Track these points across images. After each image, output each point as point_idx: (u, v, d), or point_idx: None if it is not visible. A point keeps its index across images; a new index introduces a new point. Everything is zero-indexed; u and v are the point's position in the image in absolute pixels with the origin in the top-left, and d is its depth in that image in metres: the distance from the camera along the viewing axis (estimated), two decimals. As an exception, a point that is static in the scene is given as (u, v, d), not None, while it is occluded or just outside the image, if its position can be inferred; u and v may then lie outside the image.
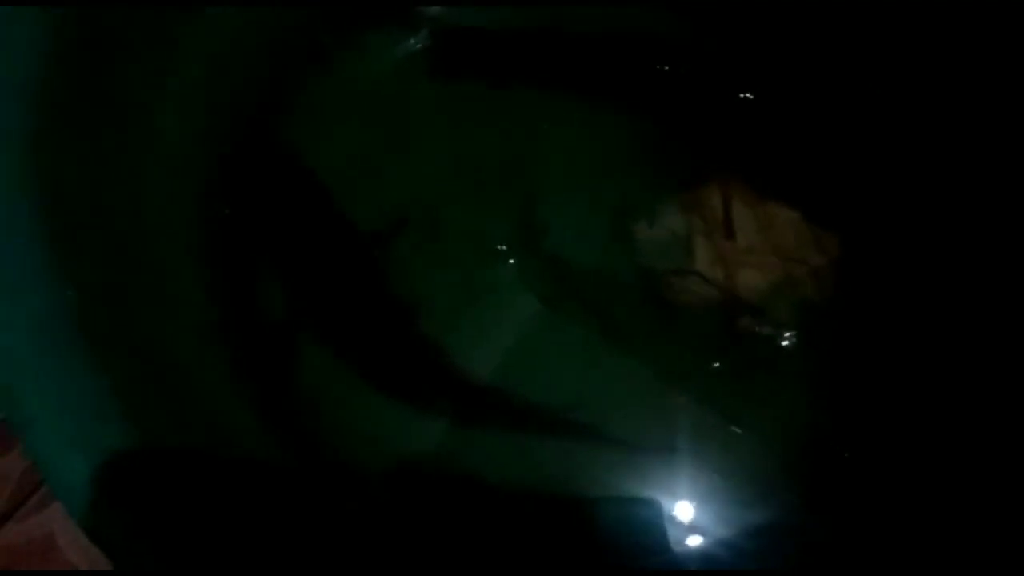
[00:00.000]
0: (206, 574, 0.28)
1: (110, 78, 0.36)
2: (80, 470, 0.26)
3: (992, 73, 0.42)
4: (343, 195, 0.47)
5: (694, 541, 0.41)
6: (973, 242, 0.43)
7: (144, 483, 0.28)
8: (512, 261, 0.47)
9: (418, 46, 0.51)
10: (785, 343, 0.46)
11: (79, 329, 0.28)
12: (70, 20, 0.33)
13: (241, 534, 0.30)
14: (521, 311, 0.46)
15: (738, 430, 0.44)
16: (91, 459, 0.26)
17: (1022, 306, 0.40)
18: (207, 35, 0.42)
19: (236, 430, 0.36)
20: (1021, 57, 0.40)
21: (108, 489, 0.26)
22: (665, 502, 0.42)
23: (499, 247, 0.48)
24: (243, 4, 0.43)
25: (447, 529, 0.40)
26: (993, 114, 0.42)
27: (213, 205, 0.43)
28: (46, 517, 0.43)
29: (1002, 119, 0.42)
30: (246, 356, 0.41)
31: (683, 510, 0.42)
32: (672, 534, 0.41)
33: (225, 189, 0.44)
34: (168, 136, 0.40)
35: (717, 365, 0.46)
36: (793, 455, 0.44)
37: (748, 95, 0.50)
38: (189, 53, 0.41)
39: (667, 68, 0.51)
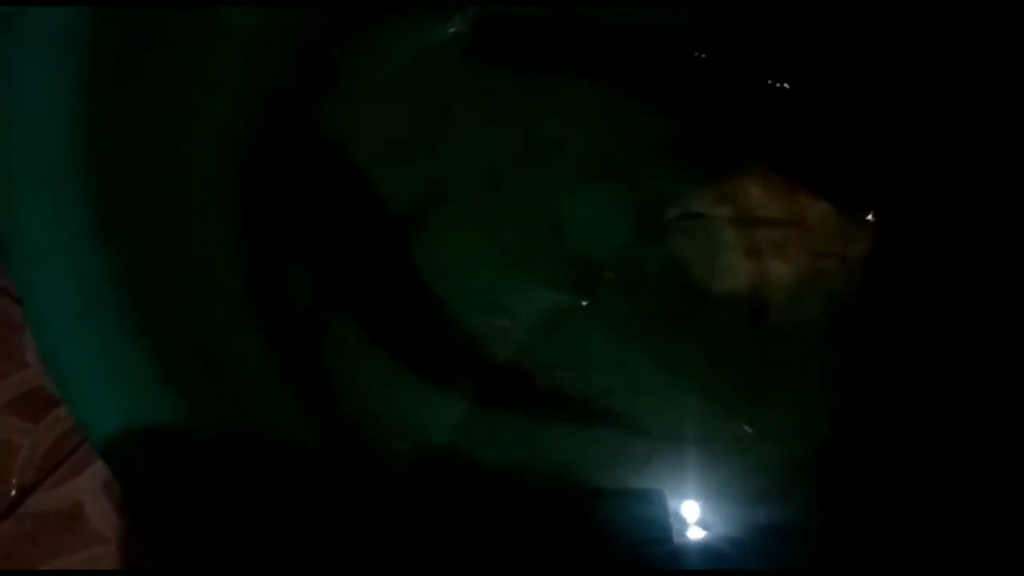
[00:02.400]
0: (219, 523, 0.28)
1: (151, 64, 0.37)
2: (115, 423, 0.27)
3: None
4: (376, 179, 0.47)
5: (701, 535, 0.41)
6: (1009, 241, 0.43)
7: (173, 436, 0.28)
8: (543, 248, 0.47)
9: (453, 32, 0.51)
10: (813, 337, 0.46)
11: (124, 294, 0.29)
12: (111, 13, 0.34)
13: (258, 495, 0.30)
14: (550, 298, 0.46)
15: (754, 427, 0.44)
16: (127, 415, 0.27)
17: None
18: (245, 21, 0.42)
19: (267, 404, 0.36)
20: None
21: (138, 435, 0.26)
22: (678, 495, 0.42)
23: (530, 233, 0.47)
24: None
25: (460, 510, 0.40)
26: None
27: (249, 187, 0.43)
28: (76, 486, 0.43)
29: None
30: (278, 334, 0.41)
31: (694, 504, 0.42)
32: (679, 527, 0.41)
33: (260, 172, 0.44)
34: (207, 119, 0.40)
35: (744, 357, 0.46)
36: (811, 454, 0.43)
37: (783, 84, 0.50)
38: (227, 38, 0.42)
39: (702, 57, 0.50)
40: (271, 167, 0.45)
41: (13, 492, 0.43)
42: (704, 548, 0.41)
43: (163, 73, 0.37)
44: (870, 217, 0.47)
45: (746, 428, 0.44)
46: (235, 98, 0.42)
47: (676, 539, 0.41)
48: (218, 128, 0.41)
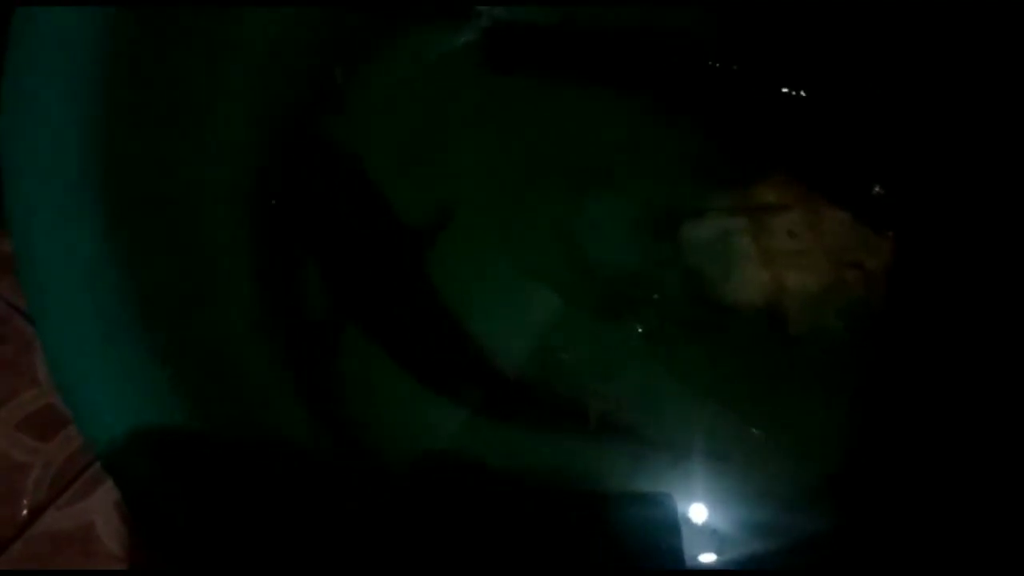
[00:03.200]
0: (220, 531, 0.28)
1: (169, 72, 0.37)
2: (121, 433, 0.26)
3: None
4: (388, 188, 0.47)
5: (716, 546, 0.41)
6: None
7: (180, 444, 0.28)
8: (557, 258, 0.47)
9: (467, 41, 0.51)
10: (832, 347, 0.45)
11: (137, 309, 0.29)
12: (129, 18, 0.34)
13: (264, 500, 0.30)
14: (563, 309, 0.46)
15: (773, 439, 0.43)
16: (133, 424, 0.26)
17: None
18: (262, 30, 0.42)
19: (278, 411, 0.36)
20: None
21: (145, 446, 0.26)
22: (692, 503, 0.41)
23: (544, 244, 0.47)
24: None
25: (464, 517, 0.39)
26: None
27: (263, 197, 0.43)
28: (88, 506, 0.43)
29: None
30: (290, 343, 0.41)
31: (708, 513, 0.42)
32: (688, 536, 0.40)
33: (275, 181, 0.44)
34: (223, 129, 0.40)
35: (762, 369, 0.45)
36: (830, 466, 0.43)
37: (800, 92, 0.49)
38: (245, 47, 0.42)
39: (718, 65, 0.50)
40: (286, 179, 0.45)
41: (25, 512, 0.42)
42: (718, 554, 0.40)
43: (178, 85, 0.37)
44: (889, 226, 0.46)
45: (764, 440, 0.44)
46: (250, 111, 0.42)
47: (686, 546, 0.40)
48: (233, 141, 0.41)
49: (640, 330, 0.46)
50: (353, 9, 0.47)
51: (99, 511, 0.43)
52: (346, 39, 0.48)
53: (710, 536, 0.41)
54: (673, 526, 0.40)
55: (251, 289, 0.38)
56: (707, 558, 0.41)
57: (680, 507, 0.41)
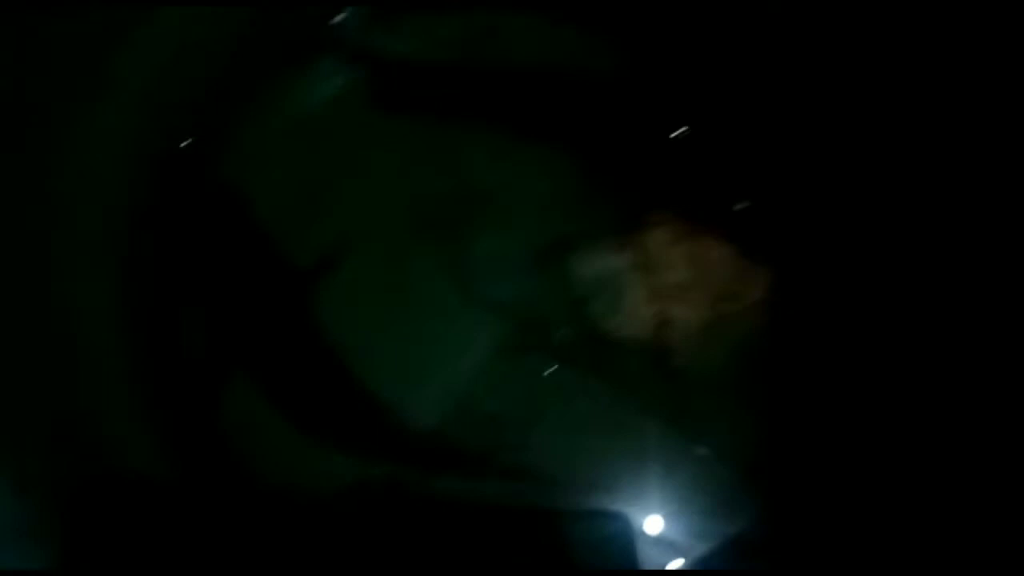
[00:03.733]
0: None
1: (32, 104, 0.36)
2: None
3: (926, 110, 0.43)
4: (274, 229, 0.47)
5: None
6: (904, 277, 0.44)
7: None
8: (446, 299, 0.47)
9: (355, 81, 0.51)
10: (717, 380, 0.46)
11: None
12: None
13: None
14: (454, 350, 0.46)
15: (665, 471, 0.44)
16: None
17: (945, 332, 0.41)
18: (139, 62, 0.42)
19: (143, 468, 0.35)
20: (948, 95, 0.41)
21: None
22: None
23: (434, 285, 0.47)
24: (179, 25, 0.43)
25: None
26: (927, 154, 0.43)
27: (138, 237, 0.42)
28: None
29: (935, 159, 0.43)
30: (165, 391, 0.40)
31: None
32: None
33: (153, 220, 0.43)
34: (95, 166, 0.40)
35: (650, 402, 0.46)
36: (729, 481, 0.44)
37: (683, 131, 0.51)
38: (119, 81, 0.41)
39: (605, 104, 0.51)
40: (166, 221, 0.44)
41: None
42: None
43: (45, 115, 0.37)
44: (768, 260, 0.48)
45: (657, 472, 0.45)
46: (121, 155, 0.41)
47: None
48: (102, 184, 0.40)
49: (531, 368, 0.47)
50: (238, 46, 0.47)
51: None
52: (231, 77, 0.47)
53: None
54: (629, 540, 0.42)
55: (117, 337, 0.37)
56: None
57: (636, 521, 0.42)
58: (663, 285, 0.48)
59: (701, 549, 0.42)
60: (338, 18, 0.51)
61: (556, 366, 0.47)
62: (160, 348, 0.42)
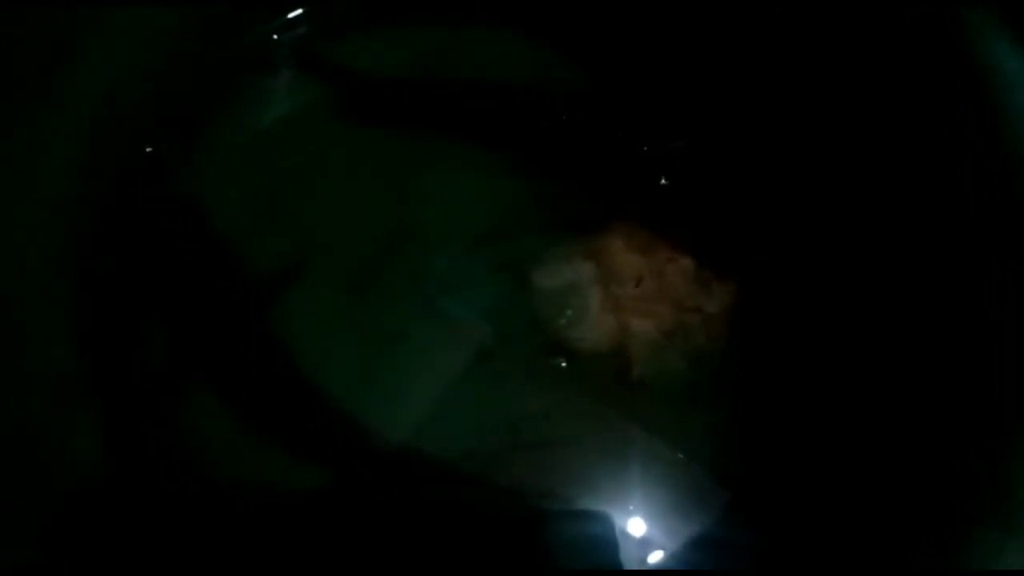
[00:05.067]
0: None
1: None
2: None
3: (884, 120, 0.44)
4: (236, 242, 0.47)
5: None
6: (866, 290, 0.45)
7: None
8: (406, 312, 0.47)
9: (320, 93, 0.51)
10: (676, 391, 0.47)
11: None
12: None
13: None
14: (414, 362, 0.46)
15: (625, 483, 0.44)
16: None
17: (911, 340, 0.41)
18: (94, 74, 0.42)
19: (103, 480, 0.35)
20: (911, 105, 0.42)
21: None
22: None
23: (393, 298, 0.47)
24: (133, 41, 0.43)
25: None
26: (889, 162, 0.44)
27: (93, 253, 0.42)
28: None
29: (896, 170, 0.44)
30: (122, 408, 0.40)
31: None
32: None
33: (108, 236, 0.43)
34: (46, 180, 0.39)
35: (611, 413, 0.46)
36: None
37: (644, 146, 0.51)
38: (73, 92, 0.41)
39: (564, 118, 0.52)
40: (121, 231, 0.44)
41: None
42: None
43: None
44: (729, 273, 0.48)
45: (616, 485, 0.45)
46: (81, 156, 0.41)
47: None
48: (55, 194, 0.40)
49: (490, 380, 0.47)
50: (197, 58, 0.47)
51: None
52: (191, 89, 0.47)
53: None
54: (609, 540, 0.42)
55: (70, 352, 0.37)
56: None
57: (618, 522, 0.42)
58: (624, 296, 0.48)
59: (678, 547, 0.43)
60: (301, 30, 0.52)
61: (520, 377, 0.46)
62: (118, 360, 0.41)
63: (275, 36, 0.52)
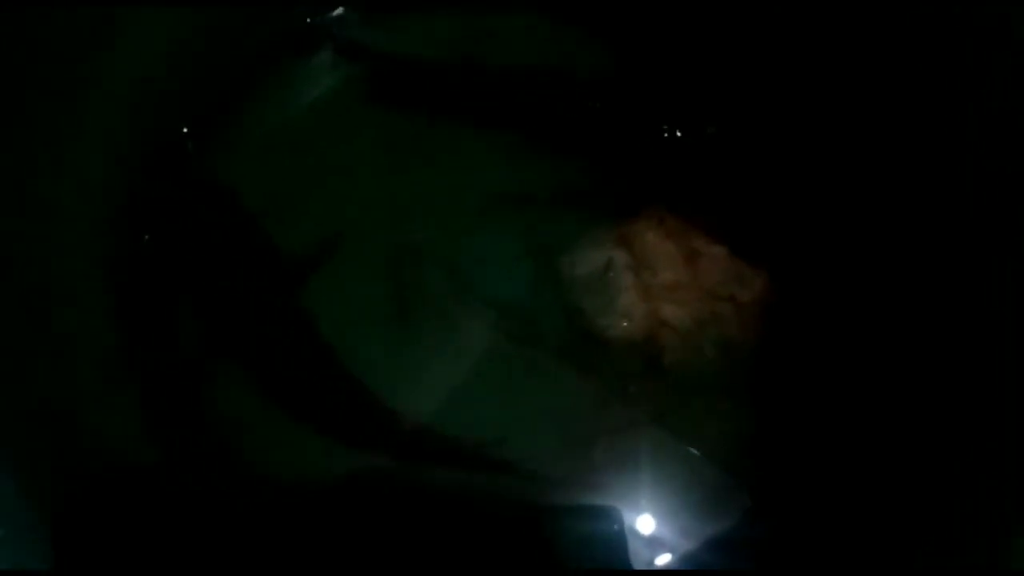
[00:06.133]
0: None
1: (21, 101, 0.36)
2: None
3: (920, 114, 0.43)
4: (269, 224, 0.47)
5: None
6: (898, 283, 0.44)
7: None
8: (440, 294, 0.47)
9: (349, 76, 0.51)
10: (708, 380, 0.46)
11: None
12: None
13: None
14: (444, 346, 0.46)
15: (651, 472, 0.44)
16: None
17: (939, 334, 0.40)
18: (130, 58, 0.42)
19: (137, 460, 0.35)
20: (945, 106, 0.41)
21: None
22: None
23: (425, 282, 0.47)
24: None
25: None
26: (923, 157, 0.43)
27: (131, 233, 0.42)
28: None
29: (930, 162, 0.43)
30: (157, 386, 0.40)
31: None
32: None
33: (146, 217, 0.44)
34: (83, 162, 0.40)
35: (640, 401, 0.46)
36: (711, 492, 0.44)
37: (676, 132, 0.51)
38: (110, 76, 0.41)
39: (597, 105, 0.51)
40: (159, 212, 0.45)
41: None
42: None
43: (35, 111, 0.37)
44: (763, 261, 0.48)
45: (648, 471, 0.45)
46: (114, 147, 0.41)
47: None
48: (96, 175, 0.40)
49: (522, 366, 0.46)
50: (233, 41, 0.47)
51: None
52: (226, 71, 0.48)
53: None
54: (619, 538, 0.41)
55: (109, 332, 0.37)
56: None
57: (626, 519, 0.42)
58: (656, 284, 0.47)
59: (689, 547, 0.42)
60: (335, 13, 0.52)
61: (549, 363, 0.46)
62: (152, 341, 0.42)
63: (308, 20, 0.52)
